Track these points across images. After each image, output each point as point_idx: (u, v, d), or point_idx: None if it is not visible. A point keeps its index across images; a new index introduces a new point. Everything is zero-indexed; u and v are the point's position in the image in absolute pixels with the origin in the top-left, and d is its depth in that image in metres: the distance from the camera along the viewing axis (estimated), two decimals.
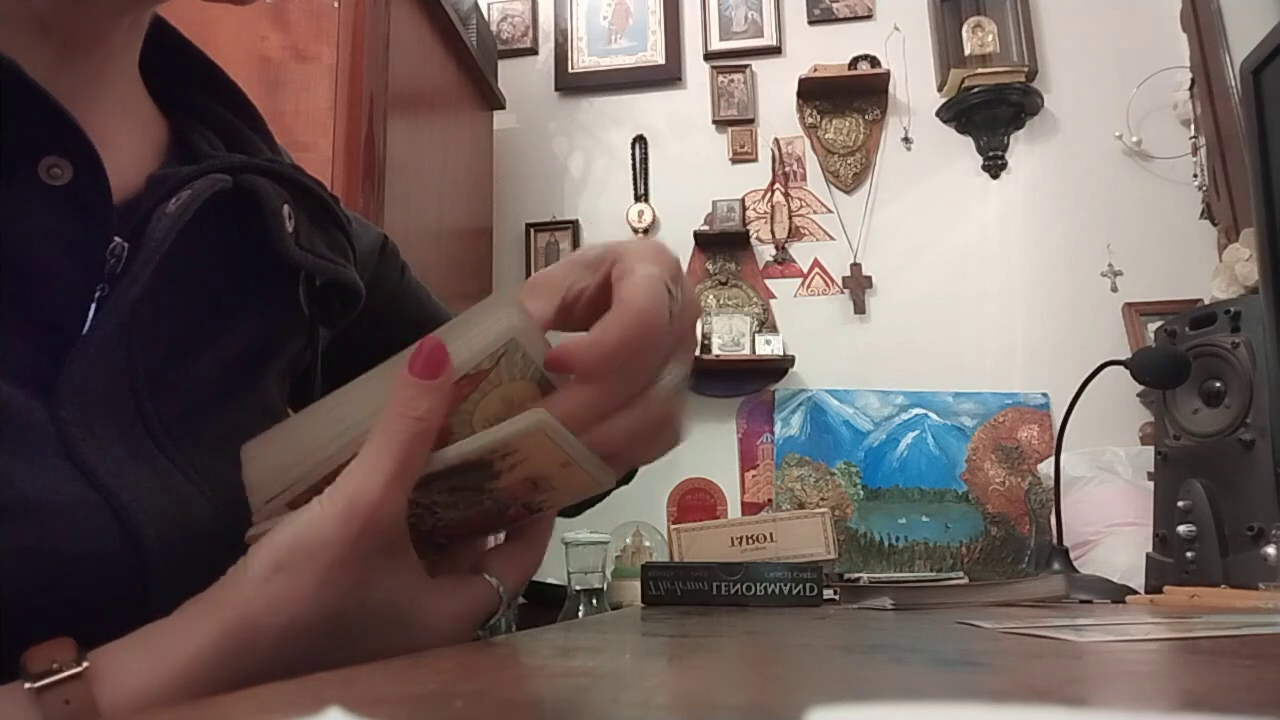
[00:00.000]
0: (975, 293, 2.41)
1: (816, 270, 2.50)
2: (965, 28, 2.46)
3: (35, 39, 0.39)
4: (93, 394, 0.37)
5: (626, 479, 0.43)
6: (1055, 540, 1.13)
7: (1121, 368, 1.12)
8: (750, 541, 1.28)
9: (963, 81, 2.43)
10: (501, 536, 0.43)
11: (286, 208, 0.44)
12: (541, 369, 0.37)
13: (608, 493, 0.43)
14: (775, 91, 2.60)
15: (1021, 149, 2.47)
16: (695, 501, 2.38)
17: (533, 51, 2.72)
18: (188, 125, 0.47)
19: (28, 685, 0.30)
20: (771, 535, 1.29)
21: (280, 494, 0.36)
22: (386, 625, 0.36)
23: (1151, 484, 1.10)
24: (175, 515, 0.38)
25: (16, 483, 0.33)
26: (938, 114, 2.50)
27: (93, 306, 0.38)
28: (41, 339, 0.36)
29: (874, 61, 2.52)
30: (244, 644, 0.32)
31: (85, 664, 0.30)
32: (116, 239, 0.38)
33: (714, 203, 2.52)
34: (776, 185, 2.54)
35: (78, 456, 0.36)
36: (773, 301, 2.50)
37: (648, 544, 1.52)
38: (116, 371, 0.39)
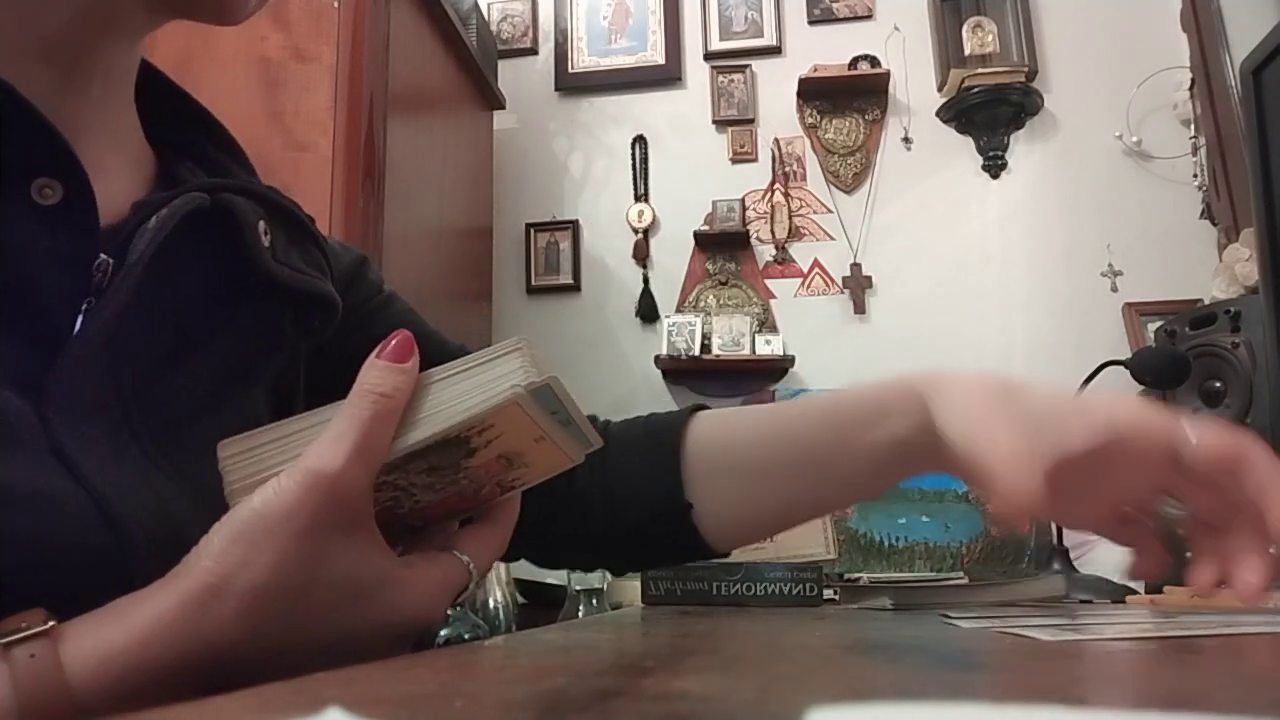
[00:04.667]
0: (975, 293, 2.40)
1: (816, 270, 2.50)
2: (965, 28, 2.46)
3: (37, 66, 0.42)
4: (80, 399, 0.39)
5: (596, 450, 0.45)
6: (1055, 540, 1.13)
7: (1121, 368, 1.12)
8: None
9: (963, 81, 2.43)
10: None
11: (263, 224, 0.47)
12: (543, 429, 0.39)
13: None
14: (775, 91, 2.60)
15: (1021, 149, 2.47)
16: None
17: (533, 51, 2.72)
18: (173, 159, 0.50)
19: None
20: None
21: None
22: (350, 599, 0.37)
23: None
24: (159, 512, 0.39)
25: (2, 473, 0.34)
26: (938, 114, 2.50)
27: (80, 318, 0.40)
28: (31, 346, 0.38)
29: (874, 61, 2.52)
30: (203, 610, 0.33)
31: (51, 623, 0.32)
32: (102, 255, 0.41)
33: (714, 203, 2.52)
34: (776, 185, 2.54)
35: (64, 453, 0.37)
36: (773, 301, 2.49)
37: None
38: (103, 379, 0.40)
